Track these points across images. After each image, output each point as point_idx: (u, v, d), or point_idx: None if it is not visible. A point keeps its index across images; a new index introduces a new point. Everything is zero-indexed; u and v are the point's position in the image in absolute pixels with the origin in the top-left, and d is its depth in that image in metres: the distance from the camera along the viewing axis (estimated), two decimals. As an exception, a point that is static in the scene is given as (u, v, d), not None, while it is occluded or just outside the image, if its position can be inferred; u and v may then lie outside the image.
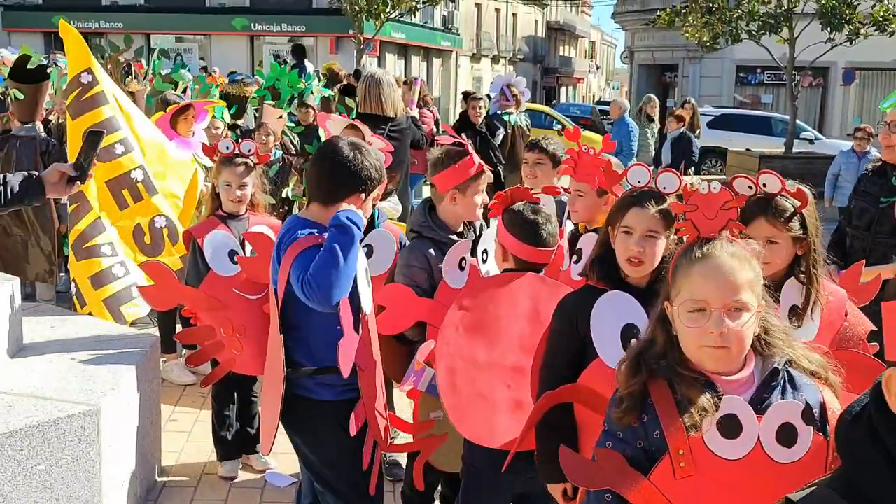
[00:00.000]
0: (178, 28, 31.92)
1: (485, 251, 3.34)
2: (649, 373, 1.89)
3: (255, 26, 31.90)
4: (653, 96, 13.26)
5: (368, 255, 3.61)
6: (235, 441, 4.31)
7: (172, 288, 3.84)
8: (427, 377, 2.99)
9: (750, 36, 17.17)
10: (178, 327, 5.72)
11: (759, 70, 28.44)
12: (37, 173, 3.08)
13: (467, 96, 9.77)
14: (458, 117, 9.94)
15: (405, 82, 9.58)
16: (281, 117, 7.75)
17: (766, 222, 2.56)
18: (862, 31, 16.44)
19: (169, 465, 4.38)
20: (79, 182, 3.05)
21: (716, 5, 17.43)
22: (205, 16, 31.69)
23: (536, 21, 52.94)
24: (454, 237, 3.45)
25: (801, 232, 2.57)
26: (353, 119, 7.11)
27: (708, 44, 18.31)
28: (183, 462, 4.46)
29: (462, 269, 3.24)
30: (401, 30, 32.60)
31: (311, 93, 7.78)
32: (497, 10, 45.56)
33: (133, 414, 3.71)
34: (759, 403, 1.84)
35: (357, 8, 18.60)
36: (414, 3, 20.18)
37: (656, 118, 12.78)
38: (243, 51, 31.70)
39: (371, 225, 3.77)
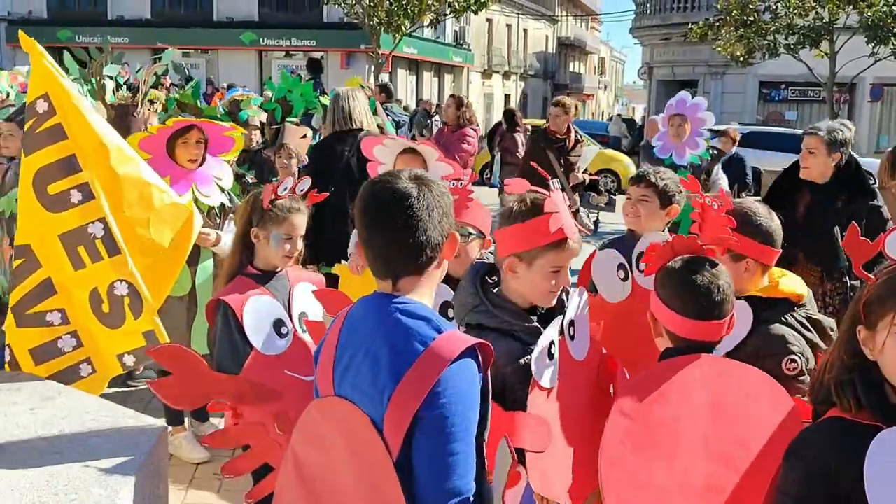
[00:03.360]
0: (185, 43, 31.14)
1: (570, 323, 2.36)
2: None
3: (263, 41, 31.30)
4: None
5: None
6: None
7: (201, 378, 2.73)
8: None
9: (788, 50, 16.37)
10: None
11: (783, 86, 27.62)
12: None
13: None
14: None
15: (452, 96, 8.63)
16: (304, 136, 6.87)
17: None
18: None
19: (180, 584, 3.44)
20: None
21: (751, 18, 16.62)
22: (212, 30, 31.12)
23: (547, 37, 52.44)
24: (533, 320, 2.34)
25: None
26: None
27: (743, 58, 17.48)
28: (198, 579, 3.53)
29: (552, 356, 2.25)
30: (413, 45, 31.92)
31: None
32: (508, 26, 44.97)
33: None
34: None
35: (377, 19, 17.74)
36: (434, 16, 19.40)
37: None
38: (251, 66, 31.03)
39: None
